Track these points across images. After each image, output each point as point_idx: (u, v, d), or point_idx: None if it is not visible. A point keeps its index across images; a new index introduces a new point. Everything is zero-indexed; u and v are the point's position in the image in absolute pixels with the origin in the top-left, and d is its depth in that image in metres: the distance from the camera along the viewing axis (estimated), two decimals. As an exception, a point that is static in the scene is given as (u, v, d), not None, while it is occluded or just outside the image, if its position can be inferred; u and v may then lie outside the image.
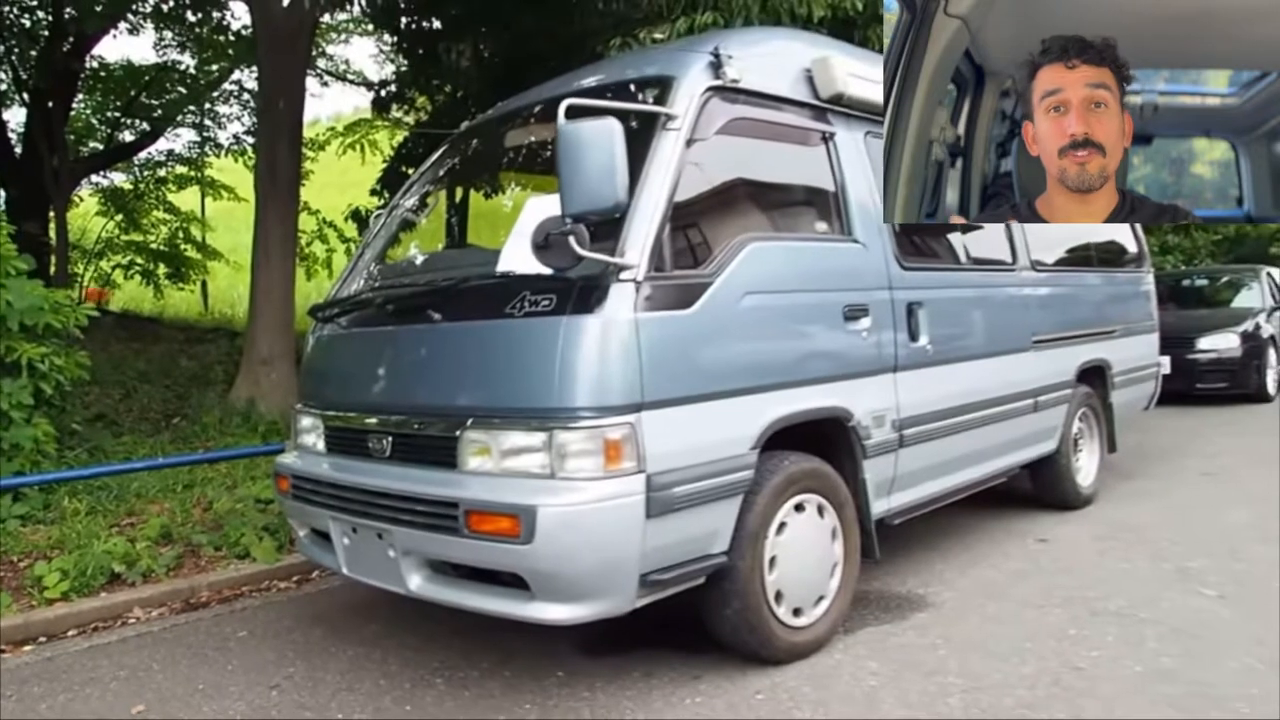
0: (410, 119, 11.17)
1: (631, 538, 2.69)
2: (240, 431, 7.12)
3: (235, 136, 14.17)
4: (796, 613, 3.26)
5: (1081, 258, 5.60)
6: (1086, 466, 5.51)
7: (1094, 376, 5.50)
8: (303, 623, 3.99)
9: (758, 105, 3.33)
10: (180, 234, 14.98)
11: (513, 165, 3.85)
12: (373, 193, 9.87)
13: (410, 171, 9.86)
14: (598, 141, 2.54)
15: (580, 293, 2.70)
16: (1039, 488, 5.29)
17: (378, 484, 3.03)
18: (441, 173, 4.03)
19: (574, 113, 2.62)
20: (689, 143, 2.99)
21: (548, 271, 2.74)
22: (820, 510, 3.35)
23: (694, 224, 3.05)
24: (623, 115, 2.77)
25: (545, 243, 2.62)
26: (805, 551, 3.29)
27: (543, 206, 2.97)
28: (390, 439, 3.12)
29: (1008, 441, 4.63)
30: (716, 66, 3.18)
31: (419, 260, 3.76)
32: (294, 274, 8.04)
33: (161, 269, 14.57)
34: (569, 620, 2.73)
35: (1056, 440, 5.11)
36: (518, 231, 2.95)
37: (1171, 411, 8.81)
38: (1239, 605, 3.68)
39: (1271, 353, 10.11)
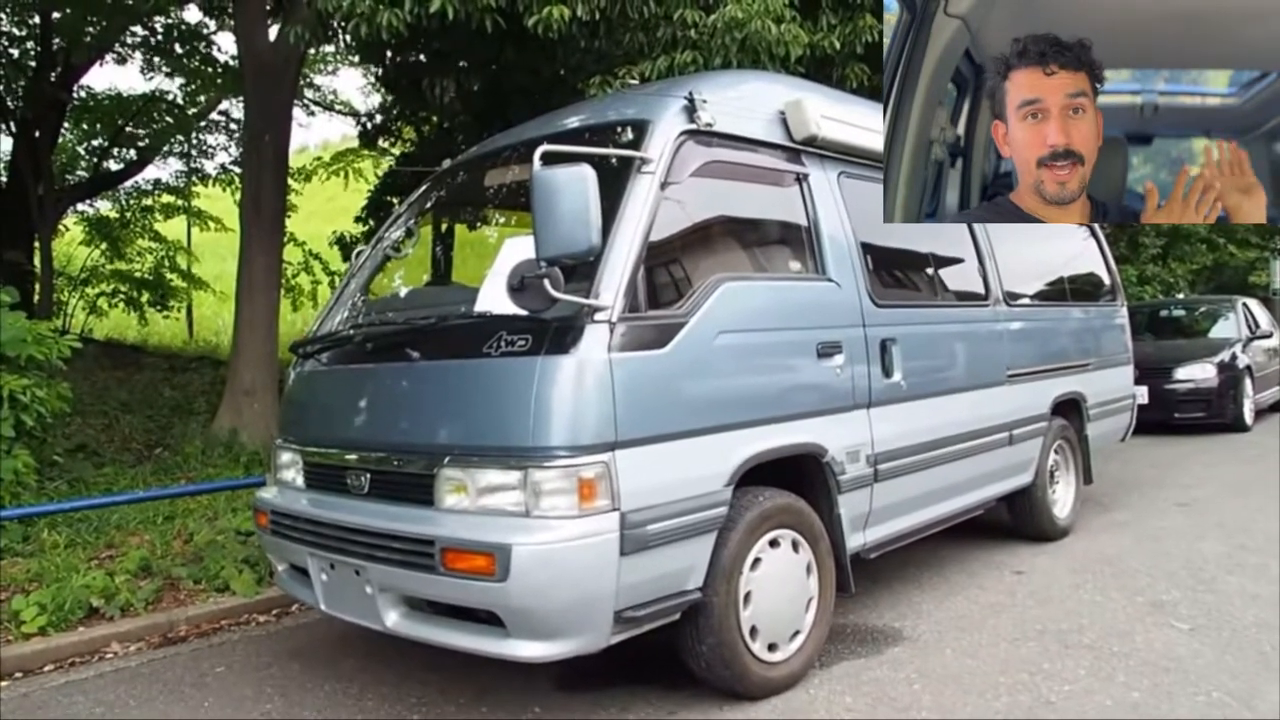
0: (397, 150, 11.25)
1: (606, 575, 2.72)
2: (222, 462, 7.11)
3: (223, 166, 14.22)
4: (771, 648, 3.28)
5: (1056, 291, 5.70)
6: (1063, 498, 5.57)
7: (1069, 409, 5.58)
8: (280, 658, 3.99)
9: (731, 148, 3.41)
10: (166, 263, 14.97)
11: (493, 203, 3.92)
12: (357, 219, 9.93)
13: (394, 200, 9.97)
14: (571, 187, 2.60)
15: (555, 333, 2.75)
16: (1016, 519, 5.34)
17: (355, 521, 3.05)
18: (423, 209, 4.09)
19: (549, 159, 2.68)
20: (663, 185, 3.06)
21: (524, 312, 2.79)
22: (795, 545, 3.39)
23: (669, 264, 3.12)
24: (598, 159, 2.84)
25: (520, 285, 2.67)
26: (780, 587, 3.32)
27: (520, 247, 3.02)
28: (368, 476, 3.15)
29: (983, 475, 4.69)
30: (691, 110, 3.25)
31: (400, 297, 3.82)
32: (278, 306, 8.07)
33: (145, 296, 14.55)
34: (543, 658, 2.76)
35: (1032, 473, 5.17)
36: (495, 272, 3.01)
37: (1149, 441, 8.91)
38: (1211, 638, 3.73)
39: (1248, 382, 10.25)
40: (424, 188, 4.22)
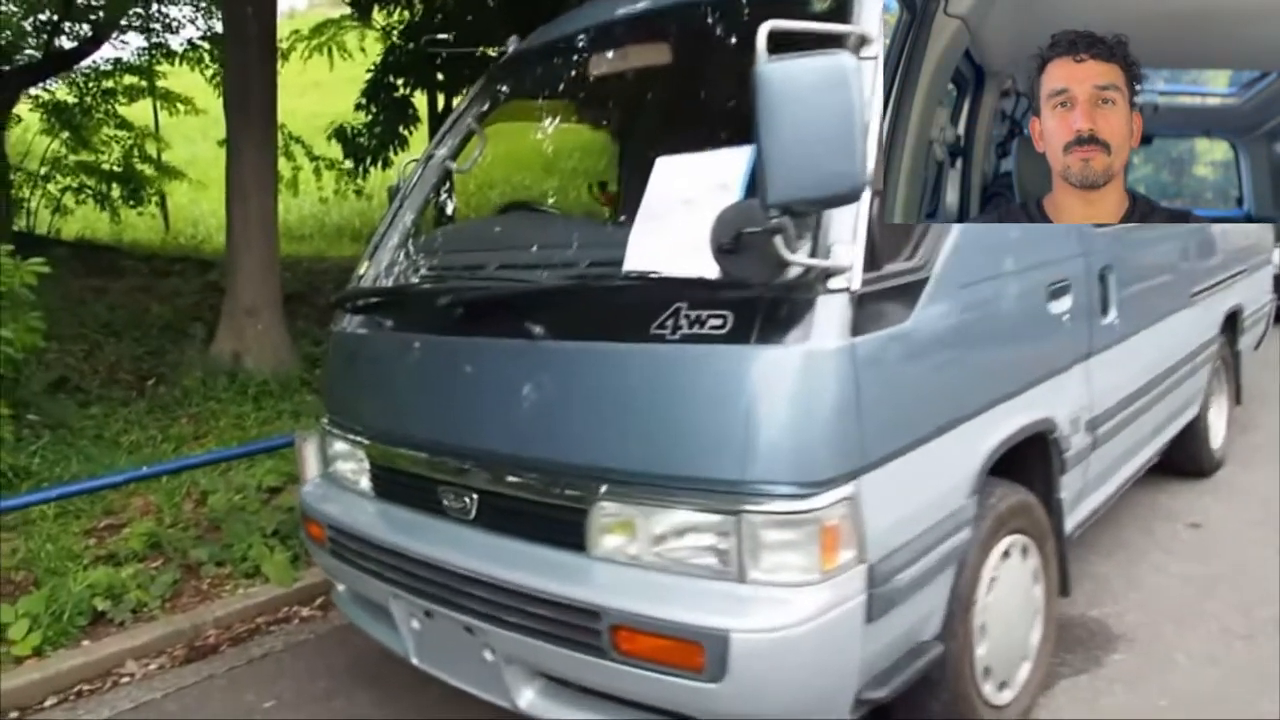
0: (395, 19, 9.83)
1: (849, 656, 1.91)
2: (227, 395, 6.20)
3: (189, 42, 12.65)
4: (1001, 686, 2.53)
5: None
6: (1216, 425, 4.80)
7: (1229, 324, 4.75)
8: (342, 681, 3.21)
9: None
10: (135, 152, 13.55)
11: (599, 102, 2.90)
12: (358, 107, 8.69)
13: (399, 83, 8.72)
14: (824, 90, 1.62)
15: (770, 309, 1.84)
16: (1173, 455, 4.55)
17: (463, 563, 2.19)
18: (492, 107, 3.06)
19: (778, 43, 1.69)
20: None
21: (708, 273, 1.87)
22: (1024, 551, 2.60)
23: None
24: (813, 40, 1.87)
25: (735, 244, 1.72)
26: (1011, 608, 2.54)
27: (676, 169, 2.10)
28: (475, 497, 2.28)
29: (1168, 416, 3.93)
30: None
31: (485, 232, 2.81)
32: (276, 210, 6.96)
33: (116, 190, 13.23)
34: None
35: (1199, 403, 4.39)
36: (650, 211, 2.07)
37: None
38: None
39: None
40: (484, 82, 3.18)
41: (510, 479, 2.19)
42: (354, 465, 2.72)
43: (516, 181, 3.22)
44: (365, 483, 2.67)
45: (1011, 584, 2.53)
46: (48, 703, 3.21)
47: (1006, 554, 2.51)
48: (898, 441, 2.00)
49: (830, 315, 1.83)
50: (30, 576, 3.89)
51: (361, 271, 2.87)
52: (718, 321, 1.87)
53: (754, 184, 1.83)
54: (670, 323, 1.92)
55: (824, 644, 1.84)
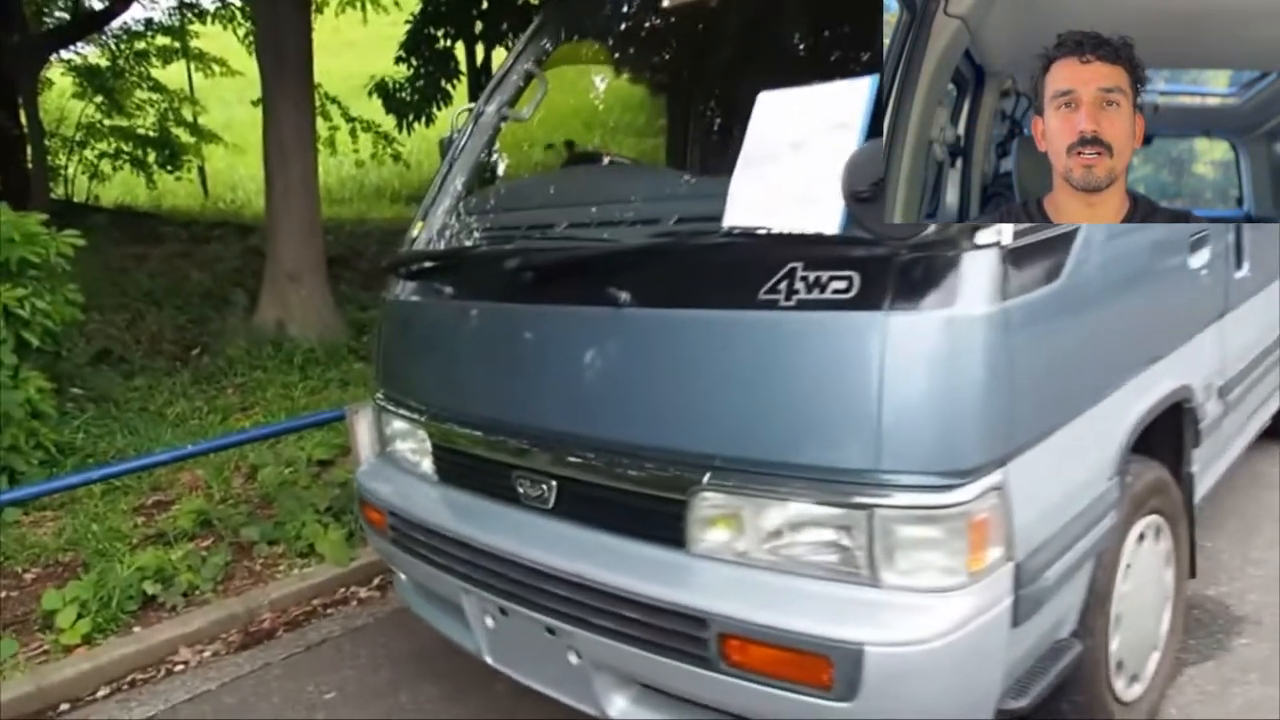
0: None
1: (995, 666, 1.68)
2: (273, 364, 6.07)
3: (220, 0, 12.40)
4: (1132, 680, 2.28)
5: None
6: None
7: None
8: (405, 671, 3.04)
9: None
10: (170, 115, 13.40)
11: (676, 36, 2.60)
12: (398, 60, 8.40)
13: (439, 34, 8.39)
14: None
15: (905, 270, 1.57)
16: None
17: (542, 558, 1.97)
18: (551, 51, 2.78)
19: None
20: None
21: (827, 227, 1.61)
22: (1157, 533, 2.34)
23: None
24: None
25: (872, 193, 1.45)
26: (1143, 595, 2.29)
27: (781, 106, 1.82)
28: (554, 484, 2.05)
29: (1284, 376, 3.60)
30: None
31: (557, 187, 2.53)
32: (316, 169, 6.75)
33: (152, 156, 13.11)
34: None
35: (1314, 359, 4.05)
36: (749, 158, 1.80)
37: None
38: None
39: None
40: (539, 23, 2.89)
41: (593, 465, 1.96)
42: (414, 445, 2.51)
43: (584, 130, 2.94)
44: (427, 465, 2.45)
45: (1145, 570, 2.27)
46: (99, 693, 3.08)
47: (1141, 537, 2.24)
48: (1048, 420, 1.74)
49: (978, 275, 1.56)
50: (77, 558, 3.78)
51: (415, 233, 2.63)
52: (841, 284, 1.60)
53: (878, 121, 1.58)
54: (783, 286, 1.66)
55: (969, 656, 1.59)
